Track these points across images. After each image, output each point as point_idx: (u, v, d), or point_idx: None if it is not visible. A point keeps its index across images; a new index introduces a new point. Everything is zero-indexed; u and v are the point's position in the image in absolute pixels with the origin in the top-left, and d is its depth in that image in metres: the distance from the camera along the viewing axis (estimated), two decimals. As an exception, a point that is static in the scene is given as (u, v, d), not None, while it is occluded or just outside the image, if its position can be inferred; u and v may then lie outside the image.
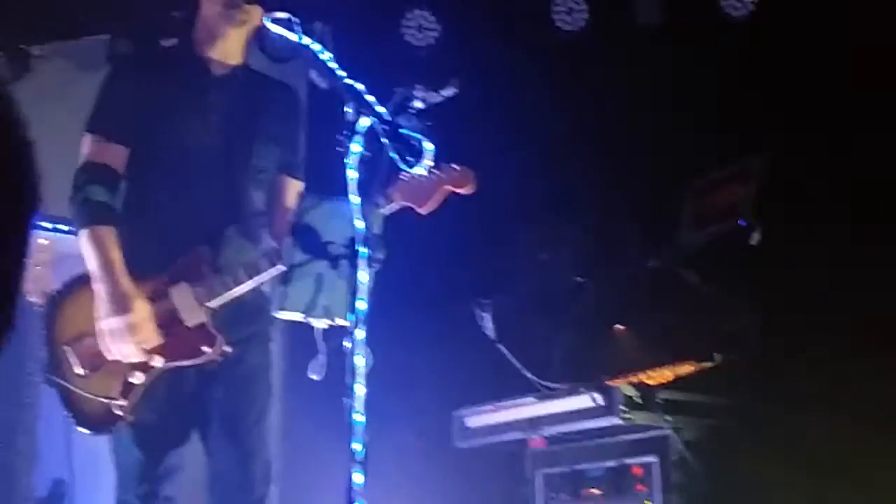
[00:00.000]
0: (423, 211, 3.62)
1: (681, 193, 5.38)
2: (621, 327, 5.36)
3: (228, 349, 3.62)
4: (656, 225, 5.55)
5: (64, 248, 4.26)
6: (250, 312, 3.79)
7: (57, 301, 3.75)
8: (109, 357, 3.55)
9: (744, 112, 5.58)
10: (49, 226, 4.88)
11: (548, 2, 6.29)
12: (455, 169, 3.65)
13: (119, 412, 3.58)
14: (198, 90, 3.81)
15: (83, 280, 3.70)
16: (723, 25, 5.99)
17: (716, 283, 5.05)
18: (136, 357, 3.54)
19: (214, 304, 3.61)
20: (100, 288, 3.56)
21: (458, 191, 3.65)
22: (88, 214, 3.65)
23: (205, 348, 3.61)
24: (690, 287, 5.06)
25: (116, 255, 3.62)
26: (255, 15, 3.68)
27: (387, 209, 3.54)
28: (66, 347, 3.63)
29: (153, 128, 3.75)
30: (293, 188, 3.92)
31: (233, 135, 3.80)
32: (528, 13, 6.39)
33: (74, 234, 3.73)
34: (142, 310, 3.54)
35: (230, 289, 3.61)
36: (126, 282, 3.57)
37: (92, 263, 3.60)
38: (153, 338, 3.54)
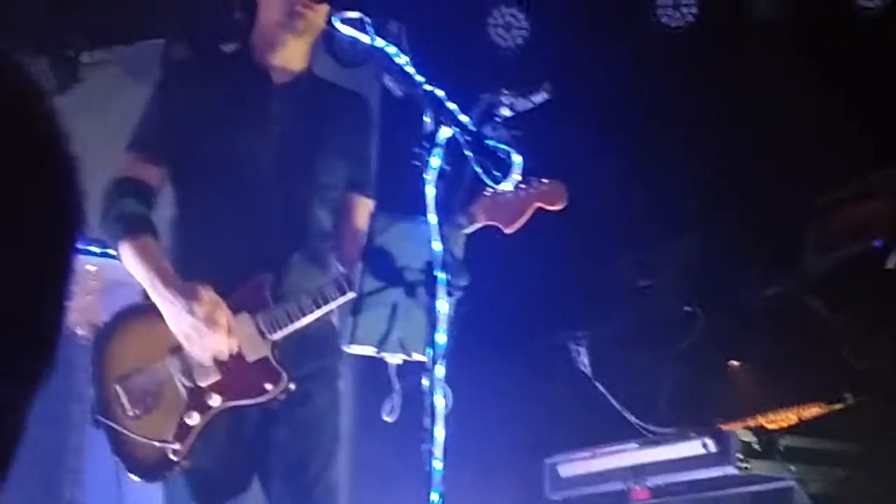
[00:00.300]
0: (509, 231, 3.60)
1: (805, 211, 5.30)
2: (737, 363, 5.28)
3: (293, 387, 3.63)
4: (777, 246, 5.48)
5: (114, 276, 4.32)
6: (317, 346, 3.79)
7: (106, 334, 3.78)
8: (204, 362, 3.60)
9: (877, 119, 5.48)
10: (97, 250, 4.95)
11: (651, -5, 6.26)
12: (545, 183, 3.62)
13: (173, 457, 3.59)
14: (257, 100, 3.84)
15: (134, 311, 3.74)
16: (853, 21, 5.90)
17: (846, 313, 4.95)
18: (227, 348, 3.56)
19: (278, 336, 3.63)
20: (156, 293, 3.60)
21: (548, 208, 3.63)
22: (126, 226, 3.69)
23: (268, 386, 3.62)
24: (817, 317, 4.98)
25: (163, 259, 3.66)
26: (319, 19, 3.69)
27: (469, 229, 3.53)
28: (116, 386, 3.66)
29: (206, 141, 3.78)
30: (364, 207, 3.92)
31: (296, 148, 3.82)
32: (628, 9, 6.37)
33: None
34: (209, 295, 3.55)
35: (295, 319, 3.62)
36: (180, 280, 3.60)
37: (139, 271, 3.64)
38: (229, 319, 3.58)
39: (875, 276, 4.81)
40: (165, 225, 3.87)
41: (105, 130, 6.44)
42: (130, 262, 3.68)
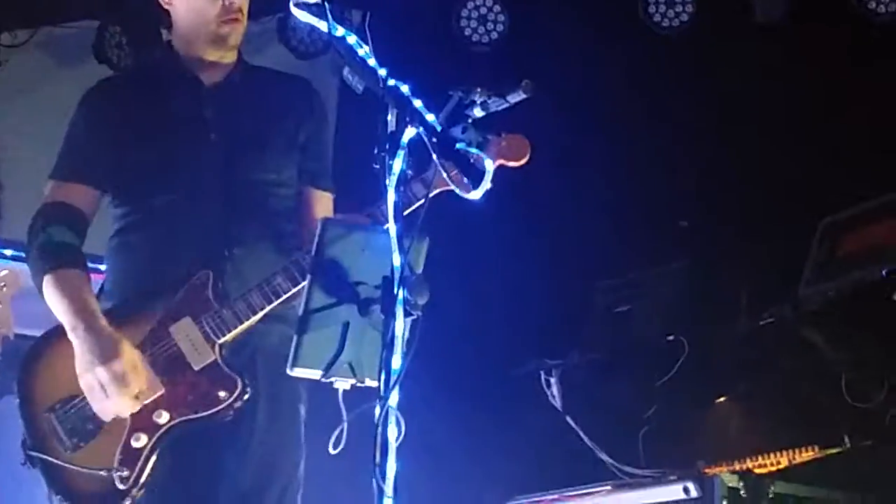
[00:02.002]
0: (470, 196, 3.60)
1: (807, 233, 5.31)
2: (724, 399, 5.28)
3: (249, 392, 3.62)
4: (772, 272, 5.49)
5: (30, 282, 4.27)
6: (276, 362, 3.72)
7: (34, 358, 3.74)
8: (103, 418, 3.56)
9: (892, 132, 5.53)
10: (9, 252, 4.89)
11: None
12: (504, 138, 3.63)
13: (122, 485, 3.55)
14: (190, 108, 3.86)
15: (61, 331, 3.68)
16: (863, 26, 5.95)
17: (847, 348, 4.96)
18: (130, 410, 3.55)
19: (226, 339, 3.63)
20: (75, 338, 3.59)
21: (510, 164, 3.64)
22: (52, 258, 3.69)
23: (221, 393, 3.61)
24: (815, 351, 4.99)
25: (91, 299, 3.65)
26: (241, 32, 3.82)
27: (424, 198, 3.52)
28: (49, 416, 3.63)
29: (141, 155, 3.81)
30: (323, 201, 3.95)
31: (238, 151, 3.84)
32: (616, 4, 6.40)
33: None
34: (130, 354, 3.55)
35: (245, 319, 3.62)
36: (106, 326, 3.59)
37: (61, 310, 3.63)
38: (149, 386, 3.55)
39: (880, 307, 4.82)
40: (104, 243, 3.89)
41: (28, 118, 6.43)
42: (52, 299, 3.67)
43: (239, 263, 3.75)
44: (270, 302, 3.63)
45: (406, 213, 3.52)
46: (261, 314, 3.64)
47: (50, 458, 3.61)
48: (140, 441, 3.59)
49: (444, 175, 2.99)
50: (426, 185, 3.55)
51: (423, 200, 3.54)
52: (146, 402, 3.59)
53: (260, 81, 4.01)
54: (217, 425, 3.65)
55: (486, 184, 2.83)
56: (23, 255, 3.97)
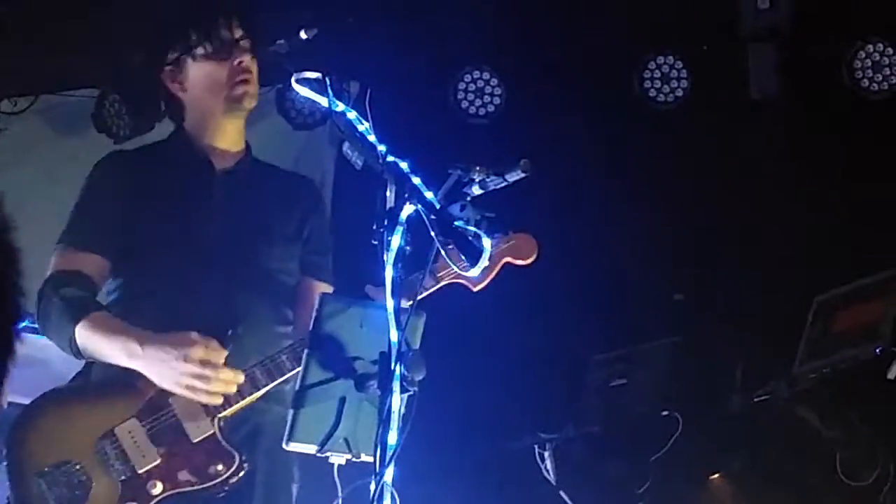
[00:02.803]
0: (477, 289, 3.61)
1: (801, 310, 5.33)
2: (718, 476, 5.26)
3: (247, 467, 3.60)
4: (767, 348, 5.49)
5: (29, 351, 4.27)
6: (271, 442, 3.72)
7: (25, 422, 3.71)
8: (215, 402, 3.56)
9: (885, 211, 5.55)
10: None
11: (637, 67, 6.33)
12: (513, 236, 3.64)
13: (112, 557, 3.54)
14: (199, 187, 3.90)
15: (54, 396, 3.70)
16: (858, 103, 6.00)
17: (842, 425, 4.96)
18: (234, 384, 3.55)
19: (226, 413, 3.61)
20: (141, 358, 3.57)
21: (517, 262, 3.65)
22: (77, 308, 3.68)
23: (218, 467, 3.59)
24: (809, 428, 4.98)
25: (130, 327, 3.64)
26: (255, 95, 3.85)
27: (433, 288, 3.54)
28: (37, 479, 3.59)
29: (145, 229, 3.83)
30: (321, 292, 3.91)
31: (240, 236, 3.87)
32: (613, 79, 6.44)
33: (37, 331, 3.75)
34: (199, 337, 3.55)
35: (247, 394, 3.60)
36: (164, 333, 3.59)
37: (108, 345, 3.61)
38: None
39: (874, 386, 4.83)
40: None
41: (25, 186, 6.43)
42: (93, 341, 3.65)
43: (241, 341, 3.72)
44: (274, 379, 3.61)
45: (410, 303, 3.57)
46: (263, 391, 3.63)
47: None
48: None
49: (452, 266, 3.01)
50: (434, 277, 3.57)
51: (430, 290, 3.55)
52: (140, 472, 3.56)
53: (267, 174, 4.07)
54: (212, 500, 3.63)
55: (484, 262, 2.85)
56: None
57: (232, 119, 3.93)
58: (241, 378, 3.58)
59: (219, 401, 3.58)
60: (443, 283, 3.59)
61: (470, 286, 3.65)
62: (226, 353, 3.59)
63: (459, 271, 2.88)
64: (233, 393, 3.59)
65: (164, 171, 3.94)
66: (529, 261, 3.69)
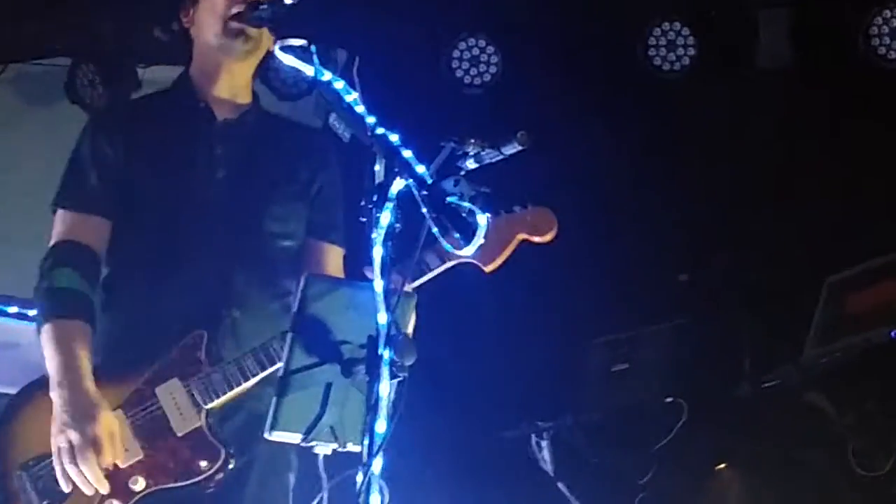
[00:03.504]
0: (489, 269, 3.60)
1: (813, 291, 5.33)
2: (725, 466, 5.27)
3: (232, 464, 3.58)
4: (777, 331, 5.50)
5: (7, 337, 4.27)
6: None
7: (10, 413, 3.71)
8: (63, 487, 3.51)
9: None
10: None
11: (641, 34, 6.31)
12: (530, 210, 3.64)
13: (92, 557, 3.54)
14: (198, 141, 3.83)
15: (38, 387, 3.66)
16: (874, 72, 5.98)
17: (854, 412, 4.97)
18: (94, 484, 3.49)
19: (214, 404, 3.58)
20: (56, 395, 3.55)
21: (534, 239, 3.64)
22: (53, 305, 3.66)
23: (202, 463, 3.56)
24: (820, 416, 4.99)
25: (83, 355, 3.61)
26: (266, 40, 3.71)
27: (440, 268, 3.53)
28: (21, 473, 3.59)
29: (140, 189, 3.77)
30: (333, 254, 3.89)
31: (243, 193, 3.81)
32: (616, 46, 6.42)
33: (12, 315, 3.75)
34: (108, 420, 3.51)
35: (236, 385, 3.58)
36: (91, 387, 3.55)
37: (51, 364, 3.59)
38: (122, 455, 3.52)
39: (889, 371, 4.84)
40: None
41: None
42: (46, 350, 3.64)
43: (237, 325, 3.71)
44: (265, 368, 3.57)
45: (418, 284, 3.54)
46: (253, 381, 3.59)
47: None
48: None
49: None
50: (440, 257, 3.55)
51: (435, 272, 3.54)
52: (122, 467, 3.55)
53: (276, 127, 4.00)
54: (201, 495, 3.60)
55: (479, 239, 2.82)
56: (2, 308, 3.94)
57: (234, 63, 3.81)
58: (103, 489, 3.51)
59: (64, 484, 3.52)
60: (451, 264, 3.57)
61: (481, 266, 3.62)
62: (114, 460, 3.52)
63: (452, 249, 2.84)
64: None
65: (163, 121, 3.86)
66: (548, 238, 3.65)
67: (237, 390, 3.59)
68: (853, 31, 5.98)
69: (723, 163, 6.12)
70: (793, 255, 5.74)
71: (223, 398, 3.59)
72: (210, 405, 3.59)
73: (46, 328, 3.65)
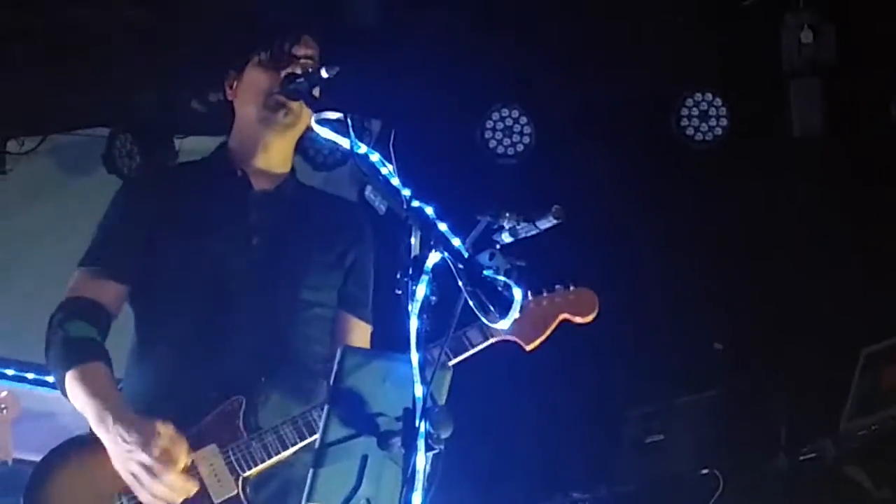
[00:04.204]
0: (530, 347, 3.61)
1: (850, 363, 5.29)
2: (762, 539, 5.22)
3: None
4: (813, 403, 5.46)
5: (32, 404, 4.28)
6: (302, 493, 3.72)
7: (41, 476, 3.67)
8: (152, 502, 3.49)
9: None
10: (10, 372, 4.87)
11: (674, 104, 6.34)
12: (572, 291, 3.67)
13: None
14: (234, 208, 3.84)
15: (75, 446, 3.67)
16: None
17: (893, 486, 4.92)
18: (184, 488, 3.49)
19: (251, 472, 3.57)
20: (103, 428, 3.54)
21: (576, 320, 3.67)
22: (72, 353, 3.64)
23: None
24: (858, 490, 4.94)
25: (115, 391, 3.62)
26: (306, 115, 3.70)
27: (482, 345, 3.54)
28: None
29: (173, 254, 3.77)
30: (360, 331, 3.90)
31: (277, 262, 3.81)
32: (649, 117, 6.45)
33: (49, 385, 3.74)
34: (166, 430, 3.49)
35: (275, 453, 3.57)
36: (134, 414, 3.54)
37: (87, 406, 3.58)
38: (188, 454, 3.51)
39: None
40: (122, 351, 3.82)
41: (31, 230, 6.46)
42: (76, 394, 3.63)
43: (273, 392, 3.71)
44: (304, 438, 3.57)
45: (459, 359, 3.56)
46: (292, 450, 3.58)
47: None
48: None
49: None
50: (483, 334, 3.58)
51: (477, 348, 3.57)
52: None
53: (312, 197, 4.01)
54: None
55: (515, 313, 2.83)
56: (24, 375, 3.94)
57: (274, 136, 3.83)
58: (193, 488, 3.52)
59: (160, 503, 3.51)
60: (493, 340, 3.59)
61: (522, 344, 3.64)
62: (186, 458, 3.52)
63: (488, 323, 2.85)
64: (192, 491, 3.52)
65: (198, 191, 3.87)
66: (589, 318, 3.68)
67: (275, 459, 3.59)
68: (885, 98, 5.98)
69: (757, 232, 6.11)
70: (829, 325, 5.71)
71: (261, 466, 3.59)
72: (247, 473, 3.58)
73: (71, 375, 3.63)
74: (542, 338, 3.64)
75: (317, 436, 3.51)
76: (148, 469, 3.50)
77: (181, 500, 3.53)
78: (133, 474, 3.52)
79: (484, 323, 3.48)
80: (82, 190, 6.33)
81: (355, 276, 3.94)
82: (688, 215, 6.24)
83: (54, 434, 3.83)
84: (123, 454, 3.52)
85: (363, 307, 3.95)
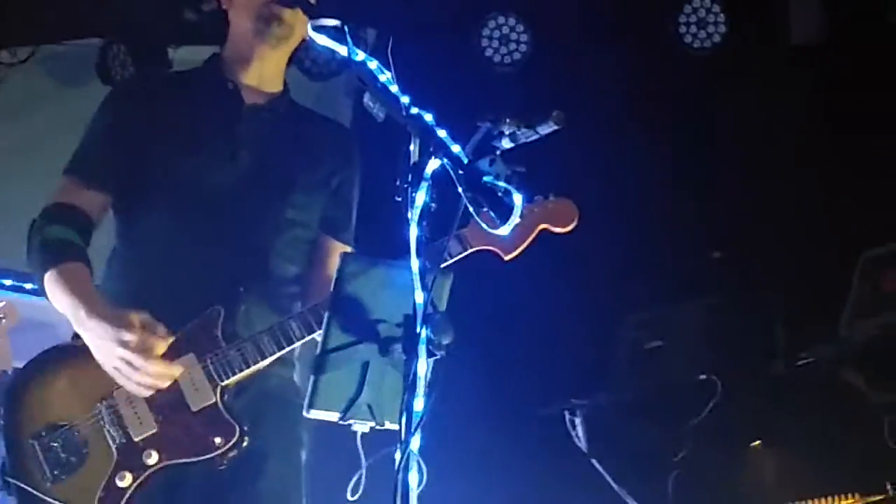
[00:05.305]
0: (508, 257, 3.63)
1: (848, 267, 5.31)
2: (759, 444, 5.26)
3: (246, 441, 3.58)
4: (811, 308, 5.48)
5: (30, 314, 4.28)
6: (276, 407, 3.76)
7: (22, 381, 3.71)
8: (144, 394, 3.53)
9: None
10: (8, 282, 4.88)
11: (671, 10, 6.30)
12: (551, 201, 3.67)
13: (100, 527, 3.56)
14: (223, 120, 3.83)
15: (59, 353, 3.69)
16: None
17: (890, 389, 4.95)
18: (169, 373, 3.52)
19: (230, 381, 3.60)
20: (81, 325, 3.56)
21: (555, 230, 3.67)
22: (50, 255, 3.66)
23: (216, 439, 3.55)
24: (855, 393, 4.97)
25: (92, 288, 3.64)
26: (300, 27, 3.72)
27: (459, 255, 3.55)
28: (32, 442, 3.59)
29: (156, 164, 3.77)
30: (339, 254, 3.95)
31: (263, 177, 3.81)
32: (645, 24, 6.41)
33: (40, 294, 3.75)
34: (144, 321, 3.50)
35: (253, 363, 3.58)
36: (109, 306, 3.57)
37: (64, 302, 3.61)
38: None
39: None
40: (101, 260, 3.84)
41: (26, 139, 6.45)
42: (54, 294, 3.65)
43: (251, 304, 3.72)
44: (282, 348, 3.59)
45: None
46: (270, 359, 3.60)
47: (27, 488, 3.58)
48: (125, 480, 3.56)
49: (483, 228, 2.99)
50: (461, 244, 3.60)
51: (455, 258, 3.58)
52: (136, 440, 3.56)
53: (303, 117, 4.00)
54: (212, 471, 3.61)
55: (515, 218, 2.83)
56: (23, 285, 3.94)
57: (268, 49, 3.81)
58: (176, 371, 3.54)
59: (145, 393, 3.55)
60: (471, 251, 3.61)
61: (501, 254, 3.66)
62: (164, 343, 3.54)
63: (487, 231, 2.86)
64: (171, 379, 3.55)
65: (187, 101, 3.87)
66: (568, 228, 3.69)
67: (253, 368, 3.61)
68: (887, 4, 5.94)
69: (755, 139, 6.10)
70: (828, 230, 5.72)
71: (239, 375, 3.60)
72: (225, 382, 3.60)
73: (49, 275, 3.65)
74: (521, 248, 3.66)
75: (295, 345, 3.57)
76: (127, 362, 3.52)
77: (166, 384, 3.55)
78: (113, 367, 3.55)
79: (462, 233, 3.52)
80: (76, 100, 6.31)
81: (339, 198, 3.97)
82: (687, 123, 6.23)
83: (53, 343, 3.85)
84: (102, 348, 3.55)
85: (345, 230, 3.98)
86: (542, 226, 3.67)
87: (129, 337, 3.50)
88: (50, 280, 3.65)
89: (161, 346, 3.55)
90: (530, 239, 3.66)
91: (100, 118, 3.88)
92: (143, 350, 3.51)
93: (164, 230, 3.77)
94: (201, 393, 3.59)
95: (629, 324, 5.86)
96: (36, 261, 3.70)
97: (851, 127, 5.88)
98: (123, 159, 3.78)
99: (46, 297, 3.70)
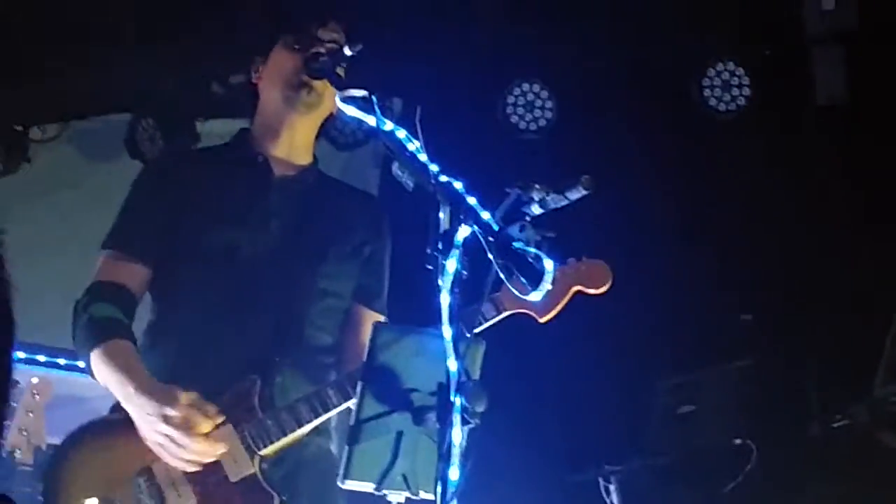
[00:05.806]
0: (543, 320, 3.63)
1: (881, 328, 5.27)
2: (796, 507, 5.22)
3: None
4: (845, 370, 5.44)
5: (64, 390, 4.29)
6: (314, 476, 3.76)
7: (59, 459, 3.71)
8: (188, 470, 3.53)
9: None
10: (42, 358, 4.89)
11: (696, 74, 6.31)
12: (585, 263, 3.68)
13: None
14: (255, 192, 3.88)
15: (96, 427, 3.71)
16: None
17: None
18: (212, 450, 3.53)
19: (268, 451, 3.61)
20: (128, 401, 3.58)
21: (589, 291, 3.68)
22: (97, 333, 3.69)
23: None
24: (891, 455, 4.93)
25: (140, 365, 3.65)
26: (329, 99, 3.77)
27: (495, 319, 3.56)
28: None
29: (192, 237, 3.81)
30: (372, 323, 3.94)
31: (295, 248, 3.84)
32: (670, 88, 6.42)
33: (80, 370, 3.76)
34: (187, 396, 3.52)
35: (290, 431, 3.60)
36: (157, 382, 3.59)
37: (111, 380, 3.62)
38: (214, 417, 3.54)
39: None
40: (139, 334, 3.85)
41: (54, 217, 6.48)
42: (101, 371, 3.67)
43: (286, 372, 3.73)
44: (318, 415, 3.60)
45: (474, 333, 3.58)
46: (307, 428, 3.62)
47: None
48: None
49: (515, 295, 2.99)
50: (496, 307, 3.61)
51: (490, 322, 3.59)
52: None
53: (332, 188, 4.04)
54: None
55: (547, 284, 2.83)
56: (56, 361, 3.94)
57: (298, 117, 3.85)
58: (220, 448, 3.55)
59: (189, 468, 3.56)
60: (506, 314, 3.61)
61: (536, 317, 3.66)
62: (210, 423, 3.55)
63: (520, 296, 2.85)
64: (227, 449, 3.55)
65: (218, 175, 3.91)
66: (602, 290, 3.70)
67: (290, 437, 3.62)
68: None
69: (783, 200, 6.09)
70: (860, 291, 5.69)
71: (276, 445, 3.61)
72: (263, 451, 3.61)
73: (96, 354, 3.67)
74: (556, 310, 3.68)
75: (331, 412, 3.57)
76: (171, 439, 3.53)
77: (208, 461, 3.55)
78: (159, 444, 3.56)
79: (496, 297, 3.53)
80: (105, 176, 6.35)
81: (371, 268, 4.00)
82: (714, 186, 6.23)
83: (86, 419, 3.86)
84: (147, 425, 3.56)
85: (378, 299, 4.00)
86: (576, 287, 3.69)
87: (172, 413, 3.52)
88: (97, 358, 3.67)
89: (206, 425, 3.56)
90: (565, 301, 3.67)
91: (134, 194, 3.93)
92: (187, 427, 3.53)
93: (198, 302, 3.80)
94: (240, 464, 3.60)
95: (661, 389, 5.83)
96: (82, 339, 3.73)
97: (880, 187, 5.87)
98: (159, 233, 3.83)
99: (91, 375, 3.73)
